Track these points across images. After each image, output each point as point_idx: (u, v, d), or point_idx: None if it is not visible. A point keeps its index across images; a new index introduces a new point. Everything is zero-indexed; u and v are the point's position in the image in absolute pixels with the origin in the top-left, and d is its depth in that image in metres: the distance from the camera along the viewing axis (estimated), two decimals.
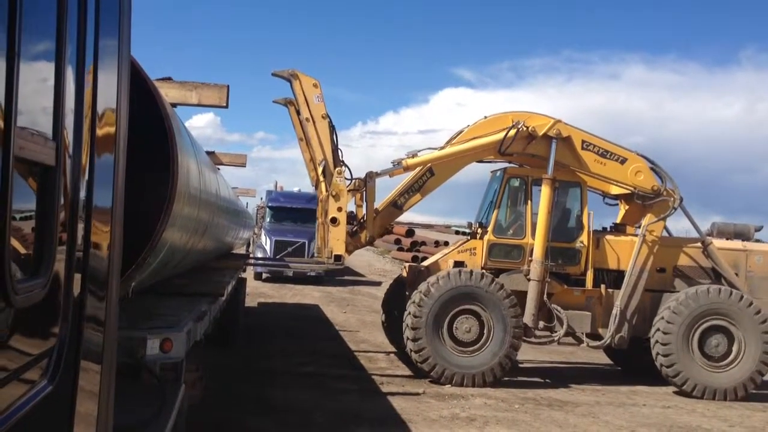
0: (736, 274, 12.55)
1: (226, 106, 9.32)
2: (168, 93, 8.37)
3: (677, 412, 10.77)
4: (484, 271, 12.00)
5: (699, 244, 12.70)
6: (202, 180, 6.92)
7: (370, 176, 12.25)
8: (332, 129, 11.93)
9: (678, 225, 13.98)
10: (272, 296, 22.23)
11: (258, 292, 22.32)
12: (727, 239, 13.15)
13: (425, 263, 13.36)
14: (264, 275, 25.85)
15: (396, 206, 12.55)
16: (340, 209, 11.61)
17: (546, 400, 10.93)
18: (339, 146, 12.01)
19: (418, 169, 12.39)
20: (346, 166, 11.94)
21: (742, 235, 13.27)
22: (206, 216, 7.42)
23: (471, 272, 11.75)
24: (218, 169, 13.30)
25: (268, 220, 27.26)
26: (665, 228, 12.83)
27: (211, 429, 7.82)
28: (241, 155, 17.65)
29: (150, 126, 4.79)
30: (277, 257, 23.75)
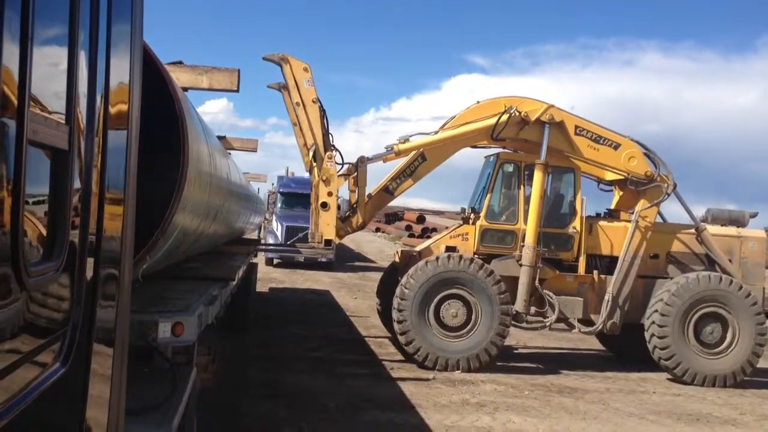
0: (730, 261, 12.51)
1: (237, 91, 9.29)
2: (179, 77, 8.36)
3: (688, 400, 10.77)
4: (474, 256, 11.99)
5: (693, 231, 12.64)
6: (213, 164, 6.92)
7: (362, 161, 12.27)
8: (323, 113, 11.89)
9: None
10: (283, 281, 22.31)
11: (269, 277, 22.41)
12: (722, 225, 13.06)
13: (417, 248, 13.29)
14: (275, 261, 25.94)
15: (388, 191, 12.54)
16: (330, 194, 11.65)
17: (556, 386, 10.95)
18: (330, 131, 12.01)
19: (411, 154, 12.39)
20: (337, 150, 11.94)
21: (737, 221, 13.17)
22: (217, 200, 7.44)
23: (458, 257, 11.73)
24: (229, 154, 13.31)
25: (279, 205, 27.27)
26: (659, 214, 12.77)
27: (222, 413, 7.88)
28: (253, 140, 17.63)
29: (161, 110, 4.80)
30: (288, 243, 23.78)
